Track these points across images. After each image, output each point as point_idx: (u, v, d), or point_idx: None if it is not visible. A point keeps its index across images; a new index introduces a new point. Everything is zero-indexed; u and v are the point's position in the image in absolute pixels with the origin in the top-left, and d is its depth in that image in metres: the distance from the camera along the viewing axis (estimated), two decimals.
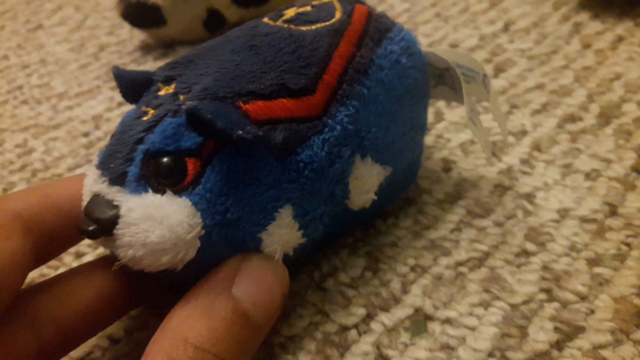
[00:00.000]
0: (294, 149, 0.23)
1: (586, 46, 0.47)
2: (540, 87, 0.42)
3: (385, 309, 0.28)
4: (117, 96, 0.50)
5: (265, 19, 0.28)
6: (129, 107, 0.47)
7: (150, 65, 0.55)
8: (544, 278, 0.28)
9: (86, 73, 0.56)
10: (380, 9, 0.57)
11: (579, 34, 0.48)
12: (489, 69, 0.45)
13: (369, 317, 0.27)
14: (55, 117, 0.49)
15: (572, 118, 0.38)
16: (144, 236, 0.21)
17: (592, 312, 0.26)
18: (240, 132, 0.21)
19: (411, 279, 0.29)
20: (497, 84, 0.43)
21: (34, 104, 0.52)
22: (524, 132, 0.38)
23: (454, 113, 0.41)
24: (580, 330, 0.25)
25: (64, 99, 0.52)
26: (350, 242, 0.31)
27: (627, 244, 0.29)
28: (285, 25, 0.27)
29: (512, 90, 0.42)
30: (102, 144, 0.44)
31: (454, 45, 0.49)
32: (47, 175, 0.42)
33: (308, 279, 0.30)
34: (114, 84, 0.52)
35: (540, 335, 0.25)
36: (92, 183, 0.23)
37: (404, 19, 0.55)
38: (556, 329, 0.25)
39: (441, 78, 0.32)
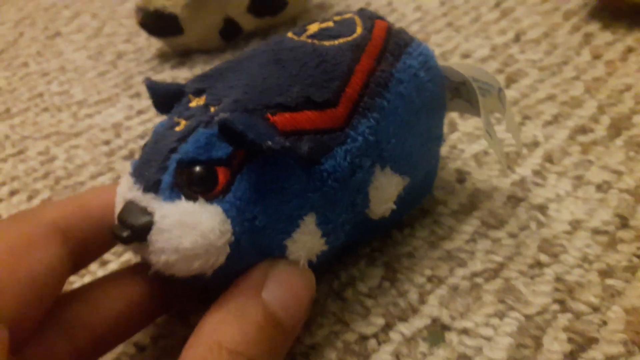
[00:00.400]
0: (318, 159, 0.24)
1: (596, 57, 0.47)
2: (551, 98, 0.43)
3: (404, 318, 0.29)
4: (136, 104, 0.51)
5: (290, 34, 0.29)
6: (148, 116, 0.48)
7: (168, 73, 0.56)
8: (557, 289, 0.28)
9: (105, 81, 0.57)
10: (391, 18, 0.58)
11: (590, 45, 0.49)
12: (500, 79, 0.46)
13: (388, 326, 0.28)
14: (76, 124, 0.50)
15: (583, 129, 0.39)
16: (177, 242, 0.22)
17: (605, 323, 0.27)
18: (270, 143, 0.22)
19: (428, 290, 0.30)
20: (509, 94, 0.44)
21: (55, 112, 0.53)
22: (536, 144, 0.38)
23: (468, 124, 0.42)
24: (593, 341, 0.26)
25: (83, 106, 0.53)
26: (367, 252, 0.32)
27: (638, 256, 0.30)
28: (309, 41, 0.28)
29: (523, 101, 0.43)
30: (123, 152, 0.45)
31: (465, 56, 0.50)
32: (70, 182, 0.43)
33: (327, 288, 0.31)
34: (132, 92, 0.53)
35: (554, 345, 0.26)
36: (126, 190, 0.24)
37: (416, 28, 0.56)
38: (570, 340, 0.26)
39: (457, 91, 0.33)
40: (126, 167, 0.40)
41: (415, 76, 0.28)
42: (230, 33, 0.58)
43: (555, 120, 0.41)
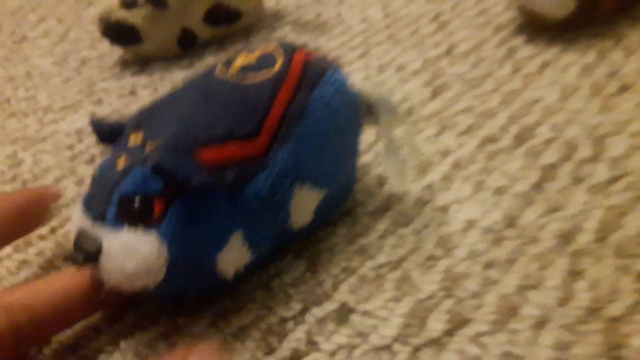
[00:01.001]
0: (240, 187, 0.29)
1: (516, 70, 0.53)
2: (469, 109, 0.48)
3: (318, 303, 0.34)
4: (99, 110, 0.56)
5: (219, 67, 0.34)
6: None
7: (128, 80, 0.60)
8: (445, 279, 0.34)
9: (69, 87, 0.61)
10: (339, 29, 0.63)
11: (512, 58, 0.55)
12: (427, 91, 0.51)
13: (304, 310, 0.33)
14: (42, 130, 0.54)
15: (491, 139, 0.45)
16: (122, 266, 0.27)
17: (480, 306, 0.32)
18: (196, 179, 0.27)
19: (341, 279, 0.35)
20: (433, 106, 0.49)
21: (22, 117, 0.57)
22: (447, 152, 0.44)
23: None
24: (468, 321, 0.31)
25: (49, 112, 0.57)
26: (295, 248, 0.37)
27: (519, 251, 0.35)
28: (234, 77, 0.33)
29: (444, 113, 0.48)
30: (85, 156, 0.50)
31: (400, 68, 0.55)
32: (36, 185, 0.48)
33: (257, 279, 0.36)
34: (95, 98, 0.57)
35: (436, 325, 0.31)
36: (79, 219, 0.29)
37: (359, 40, 0.61)
38: (448, 320, 0.31)
39: (371, 108, 0.38)
40: (88, 171, 0.45)
41: (329, 104, 0.33)
42: (188, 42, 0.62)
43: (468, 130, 0.46)
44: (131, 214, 0.28)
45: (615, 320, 0.31)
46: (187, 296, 0.34)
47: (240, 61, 0.34)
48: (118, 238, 0.28)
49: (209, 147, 0.29)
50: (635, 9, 0.59)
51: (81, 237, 0.29)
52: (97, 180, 0.30)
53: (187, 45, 0.62)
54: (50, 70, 0.65)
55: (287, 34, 0.65)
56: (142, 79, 0.60)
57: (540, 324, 0.31)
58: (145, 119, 0.31)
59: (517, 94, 0.50)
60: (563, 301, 0.32)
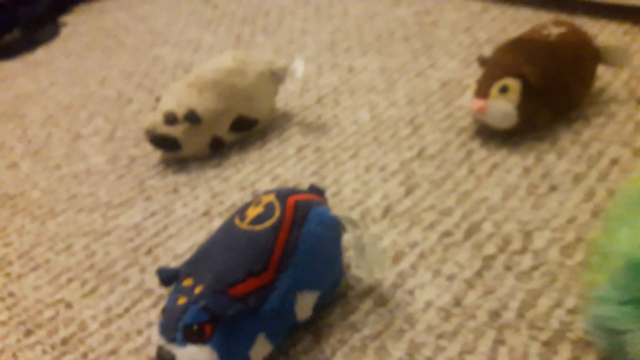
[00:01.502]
0: (260, 306, 0.45)
1: (471, 171, 0.69)
2: (432, 207, 0.64)
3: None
4: (149, 207, 0.72)
5: (237, 220, 0.50)
6: (158, 217, 0.68)
7: (171, 178, 0.76)
8: (409, 347, 0.49)
9: (122, 184, 0.77)
10: (335, 131, 0.78)
11: (469, 160, 0.70)
12: (402, 190, 0.67)
13: None
14: (106, 224, 0.70)
15: (448, 233, 0.60)
16: None
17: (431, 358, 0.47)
18: (230, 310, 0.43)
19: (337, 348, 0.50)
20: (405, 204, 0.65)
21: (88, 212, 0.73)
22: (415, 244, 0.59)
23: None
24: None
25: (110, 208, 0.73)
26: (304, 324, 0.53)
27: (461, 325, 0.50)
28: (248, 228, 0.49)
29: (413, 210, 0.64)
30: (144, 248, 0.65)
31: (382, 169, 0.71)
32: (109, 273, 0.63)
33: (277, 349, 0.51)
34: (145, 195, 0.73)
35: None
36: (158, 339, 0.45)
37: (351, 142, 0.77)
38: None
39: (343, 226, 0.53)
40: (148, 260, 0.60)
41: (315, 234, 0.49)
42: (217, 146, 0.78)
43: (431, 226, 0.62)
44: (192, 336, 0.44)
45: None
46: None
47: (251, 213, 0.50)
48: (185, 352, 0.44)
49: (236, 285, 0.45)
50: (571, 114, 0.75)
51: (161, 352, 0.45)
52: (166, 312, 0.46)
53: (217, 148, 0.79)
54: (105, 168, 0.81)
55: (294, 135, 0.81)
56: (182, 177, 0.76)
57: None
58: (192, 267, 0.48)
59: (470, 194, 0.65)
60: None
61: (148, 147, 0.83)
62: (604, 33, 0.94)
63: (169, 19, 1.30)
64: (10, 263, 0.68)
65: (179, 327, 0.45)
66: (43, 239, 0.70)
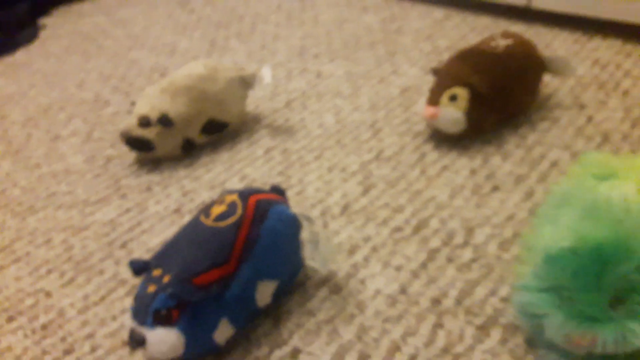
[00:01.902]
0: (222, 293, 0.51)
1: (423, 172, 0.75)
2: (386, 205, 0.70)
3: (279, 347, 0.54)
4: (124, 204, 0.76)
5: (202, 217, 0.55)
6: (132, 214, 0.72)
7: (145, 177, 0.81)
8: (359, 330, 0.55)
9: (99, 182, 0.82)
10: (301, 133, 0.84)
11: (422, 162, 0.76)
12: (360, 189, 0.73)
13: (270, 352, 0.54)
14: (84, 220, 0.75)
15: (398, 229, 0.66)
16: (158, 349, 0.49)
17: (378, 347, 0.53)
18: (195, 297, 0.49)
19: (294, 331, 0.56)
20: (362, 202, 0.71)
21: (67, 209, 0.77)
22: (369, 239, 0.65)
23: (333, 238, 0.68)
24: (369, 356, 0.52)
25: (87, 205, 0.78)
26: (266, 310, 0.58)
27: (405, 311, 0.56)
28: (213, 224, 0.54)
29: (369, 207, 0.70)
30: (118, 242, 0.70)
31: (342, 170, 0.77)
32: (87, 265, 0.68)
33: (241, 332, 0.56)
34: (120, 193, 0.78)
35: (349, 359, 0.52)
36: (130, 323, 0.51)
37: (316, 144, 0.83)
38: (358, 357, 0.52)
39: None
40: (122, 253, 0.65)
41: (274, 230, 0.54)
42: (188, 147, 0.83)
43: (384, 222, 0.67)
44: (161, 319, 0.50)
45: (458, 355, 0.52)
46: (198, 357, 0.54)
47: (215, 210, 0.55)
48: (154, 334, 0.50)
49: (200, 275, 0.51)
50: (518, 119, 0.81)
51: (133, 334, 0.50)
52: (138, 299, 0.51)
53: (188, 150, 0.83)
54: (83, 167, 0.86)
55: (263, 137, 0.86)
56: (155, 177, 0.81)
57: (413, 357, 0.52)
58: (160, 259, 0.53)
59: (420, 193, 0.71)
60: (428, 343, 0.53)
61: (123, 148, 0.88)
62: (557, 41, 1.01)
63: (147, 23, 1.34)
64: None
65: (149, 311, 0.50)
66: (23, 234, 0.75)
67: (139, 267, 0.53)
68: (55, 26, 1.41)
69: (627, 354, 0.46)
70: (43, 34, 1.37)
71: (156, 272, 0.52)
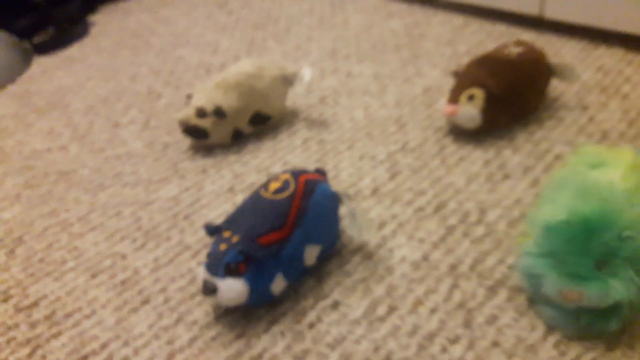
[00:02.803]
0: (279, 252, 0.62)
1: (443, 162, 0.86)
2: (410, 189, 0.81)
3: (323, 298, 0.66)
4: (183, 183, 0.88)
5: (262, 191, 0.67)
6: (193, 192, 0.84)
7: (200, 161, 0.93)
8: (388, 288, 0.66)
9: (160, 165, 0.94)
10: (334, 126, 0.95)
11: (441, 154, 0.88)
12: (387, 175, 0.84)
13: (315, 303, 0.66)
14: (148, 196, 0.87)
15: (421, 209, 0.77)
16: (228, 296, 0.61)
17: (405, 300, 0.65)
18: (259, 254, 0.61)
19: (334, 286, 0.67)
20: (390, 185, 0.82)
21: (133, 186, 0.90)
22: (396, 216, 0.76)
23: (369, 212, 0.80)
24: (395, 308, 0.64)
25: (151, 183, 0.90)
26: (311, 271, 0.70)
27: (427, 275, 0.68)
28: (271, 196, 0.65)
29: (396, 191, 0.81)
30: (181, 215, 0.82)
31: (372, 158, 0.88)
32: (154, 234, 0.80)
33: (290, 289, 0.68)
34: (179, 174, 0.90)
35: (360, 302, 0.64)
36: (204, 274, 0.62)
37: (348, 136, 0.94)
38: (388, 305, 0.64)
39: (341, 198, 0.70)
40: (185, 224, 0.77)
41: (319, 203, 0.66)
42: (237, 136, 0.95)
43: (409, 203, 0.79)
44: (230, 272, 0.61)
45: (471, 310, 0.63)
46: (257, 305, 0.65)
47: (272, 186, 0.67)
48: (225, 283, 0.61)
49: (262, 236, 0.62)
50: (528, 118, 0.92)
51: (207, 283, 0.62)
52: (211, 255, 0.63)
53: (237, 138, 0.95)
54: (143, 151, 0.98)
55: (301, 129, 0.98)
56: (209, 161, 0.93)
57: (433, 310, 0.64)
58: (230, 223, 0.64)
59: (440, 179, 0.82)
60: (446, 299, 0.65)
61: (179, 135, 1.00)
62: (565, 48, 1.11)
63: (188, 22, 1.46)
64: (71, 225, 0.84)
65: (221, 265, 0.61)
66: (96, 207, 0.87)
67: (212, 230, 0.65)
68: (103, 23, 1.53)
69: (608, 307, 0.58)
70: (93, 30, 1.50)
71: (226, 234, 0.63)
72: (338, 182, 0.85)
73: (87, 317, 0.69)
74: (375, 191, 0.82)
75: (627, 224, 0.57)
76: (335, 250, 0.72)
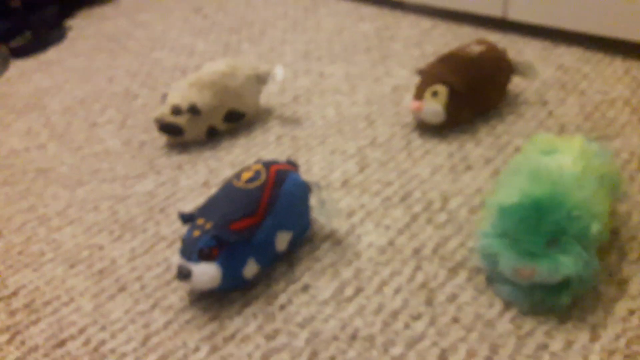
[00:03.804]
0: (251, 237, 0.65)
1: (409, 155, 0.90)
2: (378, 180, 0.85)
3: (293, 282, 0.69)
4: (158, 179, 0.91)
5: (234, 181, 0.70)
6: (166, 187, 0.87)
7: (176, 158, 0.96)
8: (356, 272, 0.70)
9: (136, 161, 0.96)
10: (306, 124, 0.99)
11: (408, 148, 0.92)
12: (357, 168, 0.88)
13: (285, 287, 0.69)
14: (125, 191, 0.90)
15: (388, 198, 0.81)
16: (201, 280, 0.64)
17: (370, 284, 0.68)
18: (232, 239, 0.64)
19: (305, 272, 0.71)
20: (360, 178, 0.86)
21: (110, 183, 0.92)
22: (364, 206, 0.80)
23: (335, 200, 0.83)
24: (361, 289, 0.67)
25: (127, 179, 0.92)
26: (282, 258, 0.73)
27: (392, 258, 0.71)
28: (243, 185, 0.69)
29: (365, 183, 0.85)
30: (157, 208, 0.85)
31: (342, 153, 0.92)
32: (130, 226, 0.82)
33: (262, 273, 0.71)
34: (155, 170, 0.93)
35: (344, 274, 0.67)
36: (178, 259, 0.65)
37: (320, 132, 0.98)
38: (356, 286, 0.67)
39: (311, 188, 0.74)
40: (161, 217, 0.80)
41: (290, 192, 0.70)
42: (212, 133, 0.98)
43: (376, 193, 0.82)
44: (204, 256, 0.64)
45: (433, 289, 0.67)
46: (230, 289, 0.68)
47: (244, 176, 0.70)
48: (199, 267, 0.64)
49: (235, 222, 0.65)
50: (490, 113, 0.97)
51: (181, 268, 0.65)
52: (185, 241, 0.66)
53: (212, 136, 0.98)
54: (120, 149, 1.00)
55: (274, 126, 1.01)
56: (184, 157, 0.96)
57: (397, 290, 0.67)
58: (203, 210, 0.67)
59: (406, 171, 0.86)
60: (409, 280, 0.68)
61: (155, 134, 1.02)
62: (528, 48, 1.17)
63: (164, 26, 1.49)
64: (49, 219, 0.86)
65: (195, 250, 0.64)
66: (74, 202, 0.89)
67: (186, 218, 0.68)
68: (80, 27, 1.55)
69: (560, 283, 0.62)
70: (70, 35, 1.52)
71: (200, 221, 0.66)
72: (310, 175, 0.88)
73: (66, 304, 0.71)
74: (345, 183, 0.86)
75: (576, 204, 0.61)
76: (306, 237, 0.76)
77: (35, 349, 0.66)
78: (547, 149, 0.70)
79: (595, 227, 0.61)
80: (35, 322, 0.69)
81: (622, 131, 0.90)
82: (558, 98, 1.00)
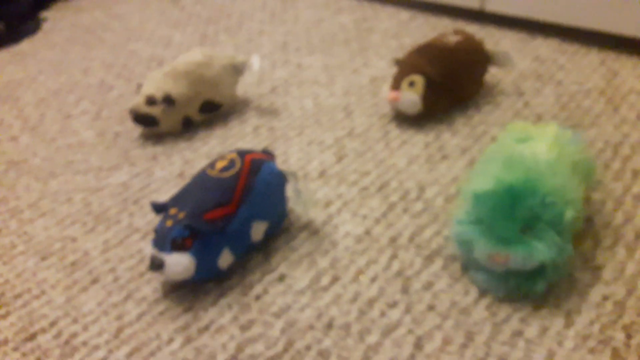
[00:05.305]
0: (225, 227, 0.65)
1: (386, 145, 0.89)
2: (355, 170, 0.85)
3: (269, 273, 0.69)
4: (132, 170, 0.90)
5: (208, 170, 0.69)
6: (140, 178, 0.86)
7: (150, 149, 0.95)
8: (332, 261, 0.69)
9: (111, 153, 0.95)
10: (284, 114, 0.98)
11: (385, 138, 0.91)
12: (334, 159, 0.87)
13: (261, 277, 0.68)
14: (99, 183, 0.88)
15: (365, 188, 0.81)
16: (174, 270, 0.63)
17: (326, 274, 0.68)
18: (205, 228, 0.63)
19: (281, 262, 0.70)
20: (338, 168, 0.85)
21: (84, 174, 0.91)
22: (341, 196, 0.80)
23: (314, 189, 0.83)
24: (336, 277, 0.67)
25: (101, 171, 0.91)
26: (258, 248, 0.72)
27: (369, 247, 0.71)
28: (218, 174, 0.68)
29: (342, 173, 0.84)
30: (131, 200, 0.84)
31: (320, 143, 0.91)
32: (106, 216, 0.81)
33: (238, 263, 0.70)
34: (130, 162, 0.91)
35: (305, 274, 0.67)
36: (152, 249, 0.64)
37: (298, 123, 0.97)
38: (309, 271, 0.67)
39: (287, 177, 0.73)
40: (135, 209, 0.79)
41: (265, 181, 0.69)
42: (188, 124, 0.97)
43: (354, 183, 0.82)
44: (177, 246, 0.63)
45: (409, 277, 0.67)
46: (204, 280, 0.68)
47: (219, 165, 0.69)
48: (172, 257, 0.63)
49: (208, 212, 0.64)
50: (467, 103, 0.97)
51: (154, 259, 0.64)
52: (158, 231, 0.65)
53: (187, 126, 0.97)
54: (95, 140, 0.99)
55: (251, 117, 1.00)
56: (159, 148, 0.94)
57: (373, 278, 0.67)
58: (176, 200, 0.66)
59: (384, 161, 0.86)
60: (385, 269, 0.68)
61: (130, 125, 1.01)
62: (505, 39, 1.17)
63: (142, 18, 1.47)
64: (21, 211, 0.85)
65: (167, 240, 0.63)
66: (47, 194, 0.87)
67: (159, 207, 0.67)
68: (55, 19, 1.53)
69: (534, 269, 0.62)
70: (45, 27, 1.49)
71: (173, 211, 0.65)
72: (288, 166, 0.87)
73: (37, 297, 0.70)
74: (322, 173, 0.85)
75: (550, 190, 0.61)
76: (283, 227, 0.75)
77: (4, 342, 0.64)
78: (522, 136, 0.70)
79: (569, 214, 0.61)
80: (4, 316, 0.68)
81: (597, 121, 0.91)
82: (534, 88, 1.00)
